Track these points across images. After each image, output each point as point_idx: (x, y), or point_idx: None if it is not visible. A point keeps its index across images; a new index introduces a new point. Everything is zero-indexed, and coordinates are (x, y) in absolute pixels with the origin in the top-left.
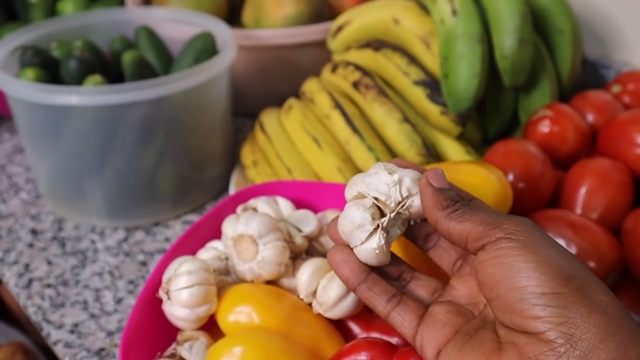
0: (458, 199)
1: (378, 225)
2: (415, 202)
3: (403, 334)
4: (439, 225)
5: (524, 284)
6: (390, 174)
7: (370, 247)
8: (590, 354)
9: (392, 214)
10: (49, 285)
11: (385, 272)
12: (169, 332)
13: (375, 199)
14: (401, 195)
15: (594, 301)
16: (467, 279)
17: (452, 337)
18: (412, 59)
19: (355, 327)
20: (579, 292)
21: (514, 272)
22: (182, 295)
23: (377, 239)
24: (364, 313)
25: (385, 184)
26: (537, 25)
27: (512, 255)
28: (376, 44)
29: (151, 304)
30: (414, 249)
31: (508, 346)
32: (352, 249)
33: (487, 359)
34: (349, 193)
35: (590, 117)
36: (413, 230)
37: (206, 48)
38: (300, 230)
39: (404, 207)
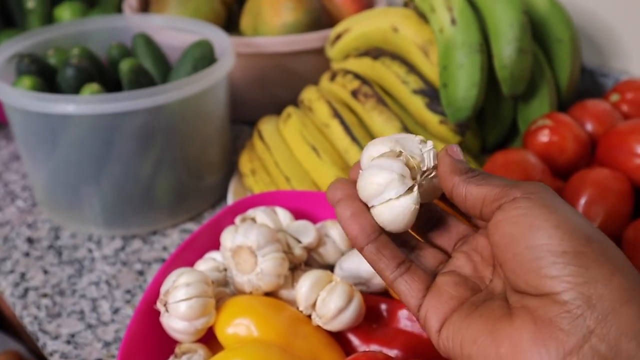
0: (475, 169)
1: (415, 182)
2: (436, 178)
3: (407, 303)
4: (455, 189)
5: (544, 242)
6: (422, 141)
7: (406, 203)
8: (610, 316)
9: (429, 174)
10: (45, 295)
11: (393, 236)
12: (166, 345)
13: (412, 157)
14: (433, 161)
15: (615, 264)
16: (471, 254)
17: (457, 309)
18: (411, 68)
19: (354, 339)
20: (601, 253)
21: (534, 229)
22: (180, 307)
23: (415, 196)
24: (363, 325)
25: (419, 148)
26: (536, 34)
27: (532, 213)
28: (375, 53)
29: (149, 315)
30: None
31: (519, 311)
32: (368, 208)
33: (495, 324)
34: (373, 151)
35: (589, 127)
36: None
37: (204, 56)
38: (299, 241)
39: (432, 175)
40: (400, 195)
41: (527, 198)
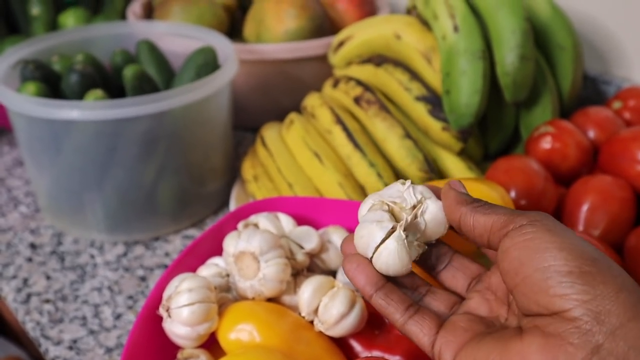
0: (479, 199)
1: (394, 227)
2: (430, 207)
3: (420, 343)
4: (463, 219)
5: (551, 263)
6: (402, 184)
7: (391, 245)
8: (618, 331)
9: (409, 218)
10: (47, 301)
11: (401, 283)
12: (169, 350)
13: (392, 202)
14: (415, 197)
15: (619, 281)
16: (485, 293)
17: (471, 340)
18: (414, 75)
19: (357, 345)
20: (606, 272)
21: (540, 252)
22: (182, 313)
23: (398, 235)
24: (365, 331)
25: (399, 191)
26: (538, 41)
27: (538, 237)
28: (378, 60)
29: (151, 321)
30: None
31: (530, 329)
32: (370, 260)
33: (507, 343)
34: (363, 209)
35: (591, 134)
36: (424, 255)
37: (207, 63)
38: (301, 247)
39: (420, 212)
40: (383, 240)
41: (532, 224)
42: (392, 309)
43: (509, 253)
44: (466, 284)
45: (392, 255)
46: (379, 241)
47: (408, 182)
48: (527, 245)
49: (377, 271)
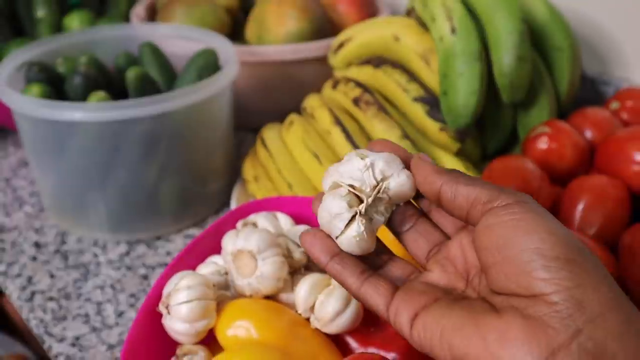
0: (456, 170)
1: (356, 213)
2: (392, 184)
3: (375, 306)
4: (444, 188)
5: (538, 246)
6: (362, 159)
7: (350, 235)
8: (598, 319)
9: (370, 199)
10: (51, 299)
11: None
12: (168, 346)
13: (351, 186)
14: (375, 179)
15: (601, 275)
16: (444, 263)
17: (431, 303)
18: (412, 76)
19: (352, 342)
20: (590, 264)
21: (528, 233)
22: (181, 309)
23: (356, 226)
24: (361, 328)
25: (358, 170)
26: (536, 42)
27: (526, 219)
28: (377, 61)
29: (151, 318)
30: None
31: (507, 309)
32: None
33: (480, 318)
34: (325, 184)
35: (588, 134)
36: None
37: (209, 65)
38: (299, 246)
39: (381, 191)
40: (343, 231)
41: (519, 204)
42: (347, 273)
43: (492, 230)
44: (427, 250)
45: (352, 245)
46: (339, 232)
47: (367, 161)
48: (514, 224)
49: (333, 241)
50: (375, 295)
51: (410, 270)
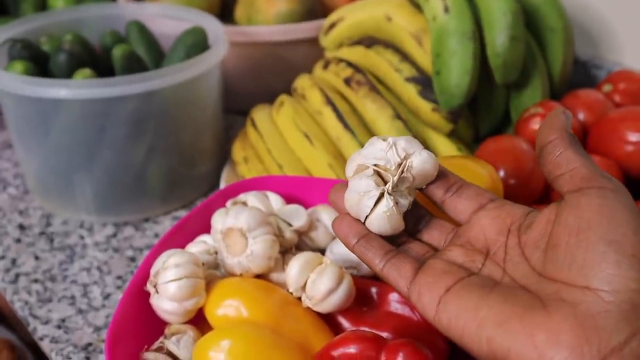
0: (575, 136)
1: (384, 191)
2: (415, 162)
3: (396, 285)
4: (555, 142)
5: (618, 239)
6: (384, 140)
7: (380, 211)
8: None
9: (395, 178)
10: (36, 280)
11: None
12: (156, 326)
13: (376, 166)
14: (399, 156)
15: None
16: (463, 244)
17: (454, 285)
18: (404, 56)
19: (344, 322)
20: None
21: (613, 224)
22: (170, 288)
23: (386, 202)
24: (353, 308)
25: (381, 150)
26: (529, 23)
27: (617, 209)
28: (368, 41)
29: (138, 297)
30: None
31: (556, 303)
32: (363, 223)
33: (526, 311)
34: (349, 171)
35: (581, 116)
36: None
37: (197, 43)
38: (290, 225)
39: (405, 168)
40: (373, 208)
41: (615, 192)
42: (372, 255)
43: (580, 210)
44: (442, 240)
45: (383, 222)
46: (368, 211)
47: (390, 140)
48: (602, 210)
49: (362, 224)
50: (397, 275)
51: (428, 248)
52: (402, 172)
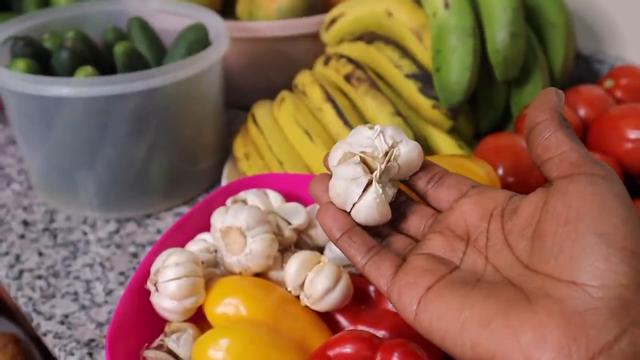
0: (567, 119)
1: (372, 178)
2: (402, 150)
3: (377, 284)
4: (544, 124)
5: (608, 231)
6: (370, 128)
7: (369, 198)
8: None
9: (383, 165)
10: (39, 277)
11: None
12: (156, 324)
13: (363, 153)
14: (386, 143)
15: None
16: (442, 230)
17: (436, 283)
18: (405, 52)
19: (342, 320)
20: None
21: (603, 214)
22: (169, 286)
23: (375, 189)
24: (351, 306)
25: (368, 138)
26: (530, 18)
27: (609, 197)
28: (369, 37)
29: (139, 295)
30: None
31: (542, 299)
32: (349, 213)
33: (511, 308)
34: (333, 159)
35: (582, 112)
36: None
37: (198, 40)
38: (289, 223)
39: (392, 157)
40: (361, 196)
41: (606, 180)
42: (354, 251)
43: (569, 197)
44: (422, 226)
45: (371, 210)
46: (356, 198)
47: (377, 128)
48: (592, 199)
49: (347, 216)
50: (378, 276)
51: (409, 241)
52: (389, 160)
